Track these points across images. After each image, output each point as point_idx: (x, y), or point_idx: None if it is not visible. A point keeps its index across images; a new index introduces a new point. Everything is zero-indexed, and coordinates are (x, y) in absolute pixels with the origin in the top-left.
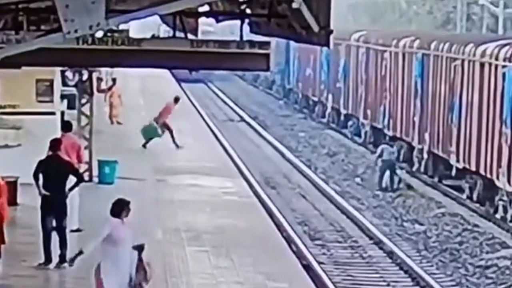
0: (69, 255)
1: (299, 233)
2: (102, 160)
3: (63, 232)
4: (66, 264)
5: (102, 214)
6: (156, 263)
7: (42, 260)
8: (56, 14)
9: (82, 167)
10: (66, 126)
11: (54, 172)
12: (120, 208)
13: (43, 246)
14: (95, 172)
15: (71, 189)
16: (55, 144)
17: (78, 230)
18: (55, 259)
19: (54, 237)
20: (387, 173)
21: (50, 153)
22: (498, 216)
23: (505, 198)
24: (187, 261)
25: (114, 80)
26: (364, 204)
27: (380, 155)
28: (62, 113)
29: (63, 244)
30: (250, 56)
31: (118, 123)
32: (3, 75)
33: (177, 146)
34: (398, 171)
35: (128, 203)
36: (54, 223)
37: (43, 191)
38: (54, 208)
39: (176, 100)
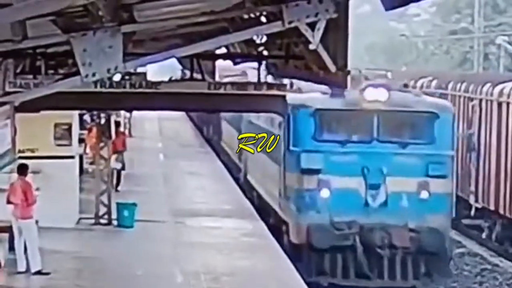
0: None
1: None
2: (121, 202)
3: None
4: None
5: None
6: None
7: None
8: (73, 58)
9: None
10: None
11: None
12: None
13: None
14: (114, 215)
15: None
16: None
17: (40, 273)
18: None
19: None
20: None
21: None
22: None
23: None
24: None
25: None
26: None
27: None
28: (81, 157)
29: None
30: (267, 98)
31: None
32: (22, 119)
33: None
34: None
35: None
36: None
37: None
38: None
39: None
